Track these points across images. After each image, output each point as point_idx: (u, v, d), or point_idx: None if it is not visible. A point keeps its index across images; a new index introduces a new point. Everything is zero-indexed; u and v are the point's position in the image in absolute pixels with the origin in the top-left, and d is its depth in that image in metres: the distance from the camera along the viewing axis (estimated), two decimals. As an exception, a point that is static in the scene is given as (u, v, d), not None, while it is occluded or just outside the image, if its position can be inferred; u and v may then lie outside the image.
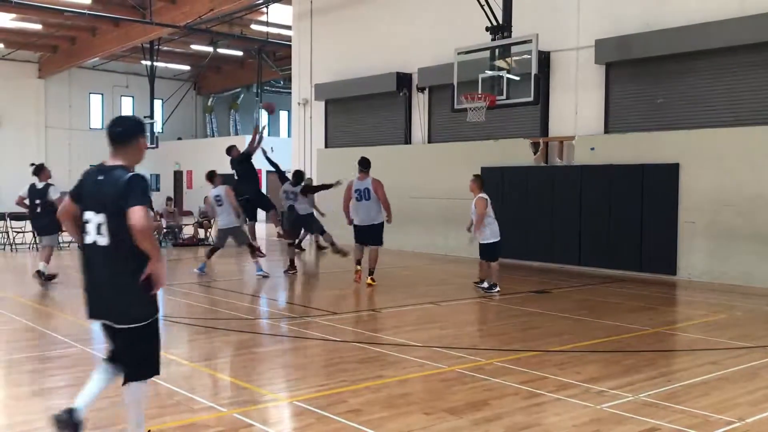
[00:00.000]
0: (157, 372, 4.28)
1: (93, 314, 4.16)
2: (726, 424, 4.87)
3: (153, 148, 29.55)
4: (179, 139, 37.50)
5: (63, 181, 39.04)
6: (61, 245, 14.79)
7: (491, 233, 10.82)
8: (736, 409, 5.20)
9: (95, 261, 4.05)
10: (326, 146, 20.99)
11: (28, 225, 17.48)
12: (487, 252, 10.97)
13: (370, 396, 5.44)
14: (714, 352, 7.13)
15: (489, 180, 15.26)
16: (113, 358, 4.24)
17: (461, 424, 4.83)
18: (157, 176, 36.00)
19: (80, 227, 4.13)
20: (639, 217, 13.26)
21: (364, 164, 11.55)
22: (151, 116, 30.35)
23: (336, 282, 12.56)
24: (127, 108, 37.21)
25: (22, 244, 17.26)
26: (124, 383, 4.14)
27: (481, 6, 13.02)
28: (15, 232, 17.22)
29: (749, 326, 8.55)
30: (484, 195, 10.79)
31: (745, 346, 7.38)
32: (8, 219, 17.66)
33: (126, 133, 4.14)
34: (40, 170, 11.83)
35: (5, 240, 17.27)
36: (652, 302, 10.27)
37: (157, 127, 31.49)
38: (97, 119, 36.70)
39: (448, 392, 5.57)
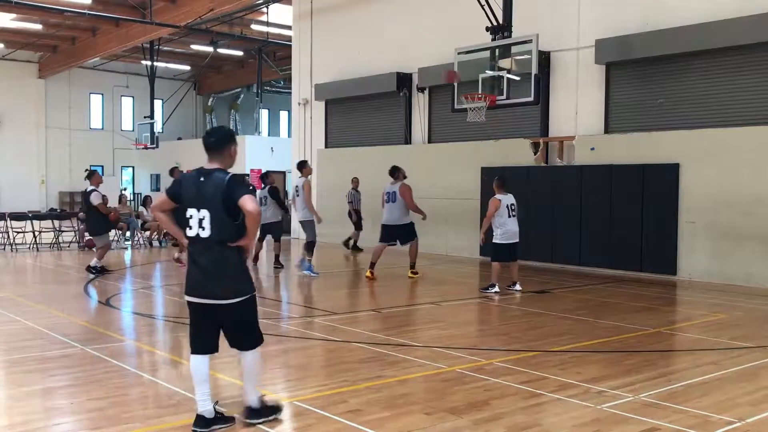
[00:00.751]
0: (262, 340, 4.90)
1: (196, 293, 4.69)
2: (726, 424, 4.87)
3: (153, 148, 29.54)
4: (179, 139, 37.48)
5: (63, 181, 38.77)
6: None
7: (501, 234, 10.84)
8: (736, 409, 5.20)
9: (200, 250, 4.66)
10: (326, 146, 20.99)
11: (28, 225, 17.54)
12: (493, 251, 11.06)
13: (371, 396, 5.43)
14: (714, 352, 7.13)
15: (489, 180, 15.27)
16: (209, 345, 4.79)
17: (461, 424, 4.83)
18: (158, 176, 35.98)
19: (175, 220, 4.90)
20: (639, 217, 13.25)
21: (391, 172, 12.49)
22: (151, 116, 30.32)
23: (336, 282, 12.56)
24: (127, 108, 37.21)
25: (22, 244, 17.25)
26: (235, 347, 4.81)
27: (481, 6, 13.02)
28: (15, 232, 17.21)
29: (749, 326, 8.54)
30: (498, 196, 10.87)
31: (746, 346, 7.38)
32: (8, 219, 17.65)
33: (218, 142, 4.76)
34: (90, 176, 12.88)
35: (5, 240, 17.25)
36: (652, 302, 10.27)
37: (157, 127, 31.45)
38: (97, 119, 36.68)
39: (448, 392, 5.57)
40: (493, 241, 10.97)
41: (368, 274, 12.28)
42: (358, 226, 17.64)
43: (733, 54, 12.43)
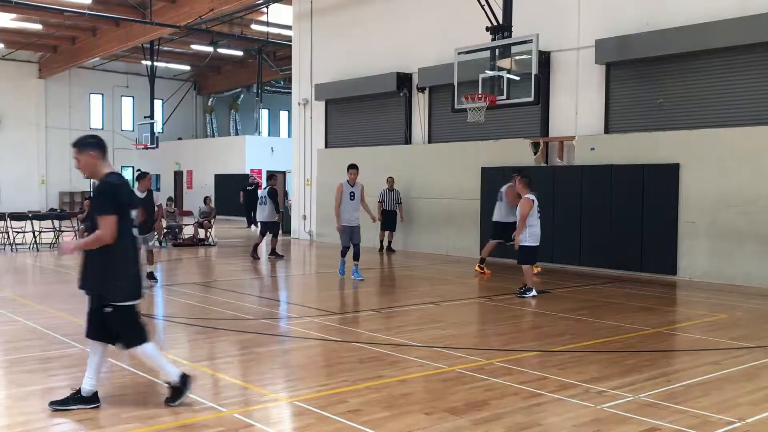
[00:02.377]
0: None
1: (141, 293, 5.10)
2: (726, 424, 4.86)
3: (153, 148, 29.56)
4: (179, 139, 37.52)
5: (64, 181, 38.80)
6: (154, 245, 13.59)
7: (529, 236, 10.54)
8: (736, 409, 5.20)
9: (135, 249, 5.05)
10: (326, 146, 20.99)
11: (28, 225, 17.52)
12: (521, 254, 10.69)
13: (370, 396, 5.43)
14: (714, 352, 7.13)
15: (489, 180, 15.34)
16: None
17: (461, 424, 4.83)
18: (158, 176, 36.02)
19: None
20: (639, 217, 13.25)
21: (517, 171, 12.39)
22: (152, 116, 30.32)
23: (338, 282, 12.55)
24: (127, 108, 37.21)
25: (22, 244, 17.25)
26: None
27: (481, 6, 13.02)
28: (15, 232, 17.20)
29: (750, 326, 8.55)
30: (530, 196, 10.54)
31: (746, 346, 7.38)
32: (8, 219, 17.64)
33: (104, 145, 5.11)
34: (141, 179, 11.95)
35: (5, 240, 17.25)
36: (652, 302, 10.27)
37: (158, 127, 31.45)
38: (97, 119, 36.69)
39: (448, 392, 5.57)
40: (522, 243, 10.59)
41: (477, 268, 13.31)
42: (385, 226, 17.26)
43: (733, 54, 12.43)
